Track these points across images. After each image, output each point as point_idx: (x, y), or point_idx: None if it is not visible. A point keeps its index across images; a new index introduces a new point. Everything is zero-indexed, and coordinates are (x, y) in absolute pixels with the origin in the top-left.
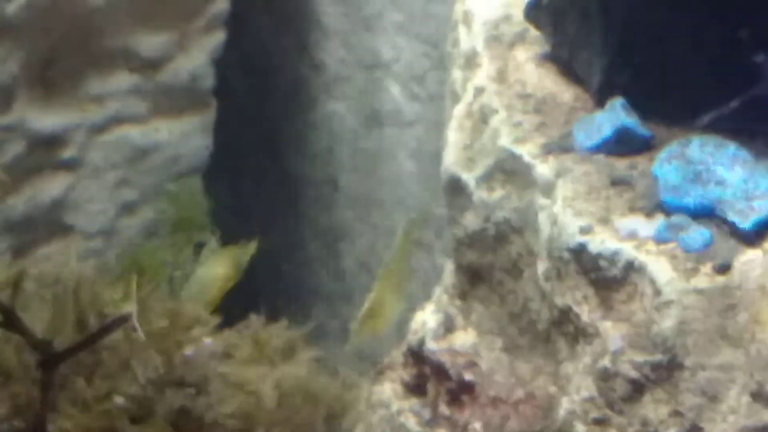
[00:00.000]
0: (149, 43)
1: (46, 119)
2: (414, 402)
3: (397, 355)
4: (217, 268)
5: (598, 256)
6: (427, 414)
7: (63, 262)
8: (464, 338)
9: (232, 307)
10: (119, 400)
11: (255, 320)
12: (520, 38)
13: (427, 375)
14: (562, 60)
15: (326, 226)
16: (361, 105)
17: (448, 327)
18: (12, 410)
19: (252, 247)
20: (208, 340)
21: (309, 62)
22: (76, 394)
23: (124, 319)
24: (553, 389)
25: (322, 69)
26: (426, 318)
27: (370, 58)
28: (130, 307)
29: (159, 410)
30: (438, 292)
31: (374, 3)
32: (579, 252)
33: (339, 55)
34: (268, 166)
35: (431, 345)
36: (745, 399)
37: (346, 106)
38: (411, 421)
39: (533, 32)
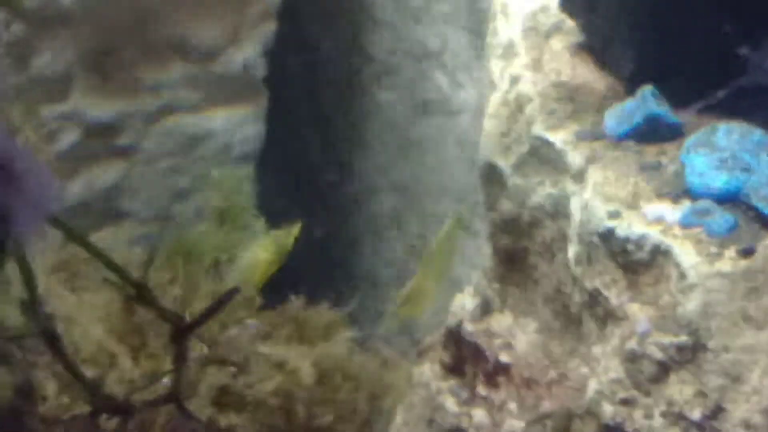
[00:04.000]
0: (203, 33)
1: (101, 108)
2: (452, 382)
3: (438, 336)
4: (261, 252)
5: (626, 240)
6: (464, 394)
7: (113, 246)
8: (500, 320)
9: (282, 294)
10: (164, 380)
11: (295, 301)
12: (556, 28)
13: (465, 356)
14: (596, 49)
15: (376, 213)
16: (409, 94)
17: (485, 309)
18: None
19: (295, 231)
20: (251, 321)
21: (360, 53)
22: (123, 374)
23: (236, 290)
24: (585, 370)
25: (373, 60)
26: (465, 301)
27: (418, 48)
28: (177, 291)
29: (202, 388)
30: (477, 275)
31: None
32: (607, 236)
33: (388, 45)
34: (320, 155)
35: (469, 327)
36: None
37: (396, 95)
38: (449, 401)
39: (569, 22)
